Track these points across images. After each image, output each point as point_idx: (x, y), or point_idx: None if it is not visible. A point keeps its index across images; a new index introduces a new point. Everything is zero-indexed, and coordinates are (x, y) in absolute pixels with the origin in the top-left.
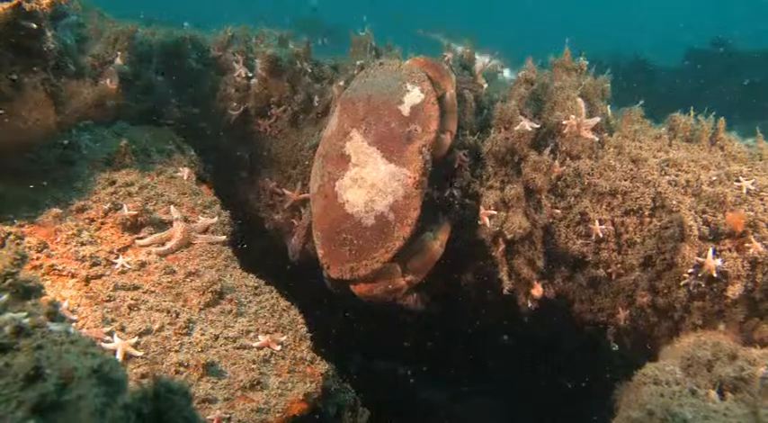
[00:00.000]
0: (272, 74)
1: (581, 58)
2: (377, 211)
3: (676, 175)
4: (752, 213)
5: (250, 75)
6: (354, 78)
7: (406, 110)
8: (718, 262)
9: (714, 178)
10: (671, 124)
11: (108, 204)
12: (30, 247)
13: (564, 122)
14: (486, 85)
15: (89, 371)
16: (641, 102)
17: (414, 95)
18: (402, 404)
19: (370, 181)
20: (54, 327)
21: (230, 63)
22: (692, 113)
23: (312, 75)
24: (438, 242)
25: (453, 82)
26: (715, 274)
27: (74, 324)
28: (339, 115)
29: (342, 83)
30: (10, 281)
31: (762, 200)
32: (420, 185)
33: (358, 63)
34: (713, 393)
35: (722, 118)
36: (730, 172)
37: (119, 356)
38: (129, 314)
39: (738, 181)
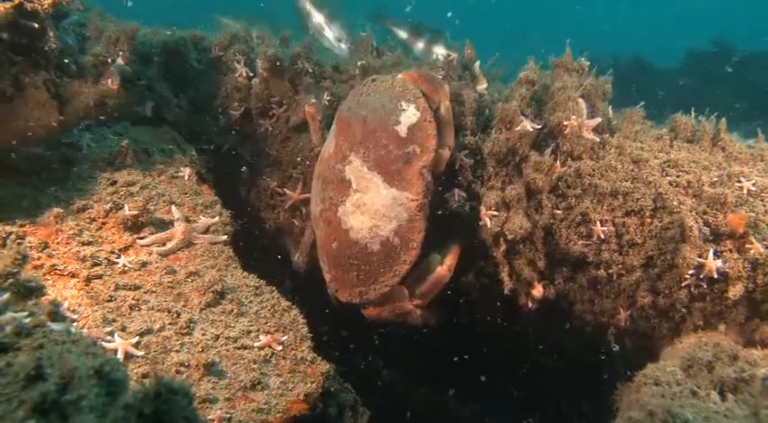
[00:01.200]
0: (273, 74)
1: (582, 59)
2: (382, 236)
3: (677, 176)
4: (753, 214)
5: (251, 75)
6: (348, 96)
7: (403, 130)
8: (719, 263)
9: (715, 179)
10: (672, 125)
11: (109, 204)
12: (31, 247)
13: (565, 123)
14: (486, 85)
15: (90, 371)
16: (642, 102)
17: (410, 114)
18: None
19: (372, 207)
20: (55, 326)
21: (231, 63)
22: (694, 114)
23: (313, 75)
24: (445, 266)
25: (447, 93)
26: (716, 275)
27: (75, 324)
28: (336, 137)
29: (313, 100)
30: (11, 280)
31: (763, 201)
32: (423, 208)
33: (359, 63)
34: (714, 394)
35: (723, 119)
36: (731, 173)
37: (120, 356)
38: (129, 314)
39: (739, 182)
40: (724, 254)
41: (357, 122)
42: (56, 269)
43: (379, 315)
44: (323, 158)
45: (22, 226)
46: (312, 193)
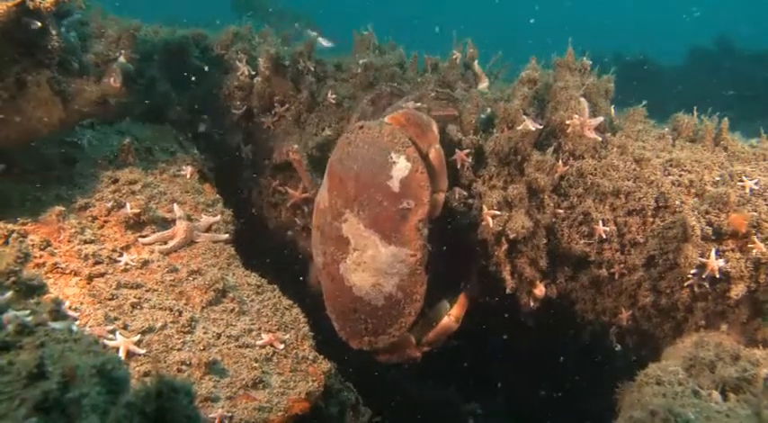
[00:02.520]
0: (275, 72)
1: (584, 58)
2: (385, 292)
3: (679, 176)
4: (755, 214)
5: (253, 73)
6: (338, 144)
7: (395, 185)
8: (721, 262)
9: (717, 178)
10: (674, 124)
11: (111, 202)
12: (33, 245)
13: (567, 122)
14: (487, 83)
15: (92, 369)
16: (645, 102)
17: (401, 167)
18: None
19: (373, 264)
20: (56, 325)
21: (233, 62)
22: (696, 113)
23: (315, 73)
24: (453, 318)
25: (437, 134)
26: (718, 275)
27: (77, 322)
28: (329, 191)
29: (296, 146)
30: (13, 278)
31: (765, 200)
32: (422, 261)
33: (361, 62)
34: (716, 394)
35: (726, 118)
36: (734, 172)
37: (121, 354)
38: (131, 312)
39: (742, 181)
40: (726, 253)
41: (349, 178)
42: (58, 267)
43: (388, 360)
44: (318, 209)
45: (24, 224)
46: (312, 242)
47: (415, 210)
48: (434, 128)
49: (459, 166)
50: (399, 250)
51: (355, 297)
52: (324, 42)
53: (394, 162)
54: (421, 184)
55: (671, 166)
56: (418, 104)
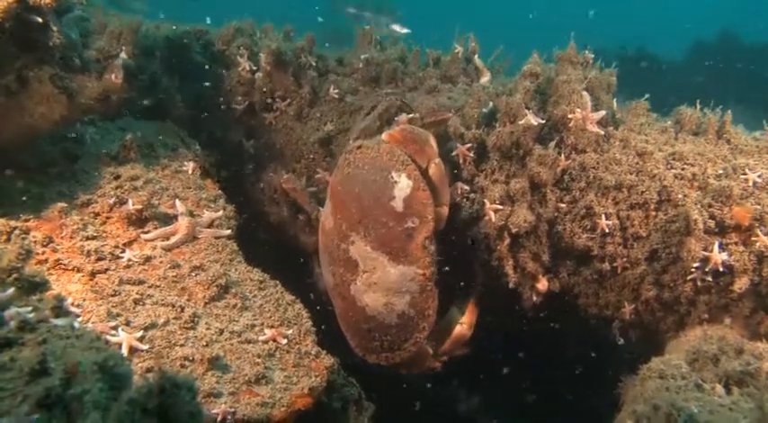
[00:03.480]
0: (276, 68)
1: (586, 52)
2: (397, 310)
3: (682, 169)
4: (758, 207)
5: (255, 68)
6: (338, 165)
7: (399, 205)
8: (725, 256)
9: (720, 171)
10: (677, 117)
11: (113, 199)
12: (35, 242)
13: (569, 116)
14: (489, 77)
15: (94, 366)
16: (647, 95)
17: (402, 186)
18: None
19: (383, 285)
20: (58, 322)
21: (235, 57)
22: (699, 106)
23: (317, 68)
24: (465, 326)
25: (435, 147)
26: (721, 268)
27: (79, 318)
28: (333, 213)
29: (285, 175)
30: (15, 275)
31: None
32: (432, 278)
33: (363, 57)
34: (719, 387)
35: (729, 111)
36: (737, 165)
37: (124, 350)
38: (134, 308)
39: (745, 174)
40: (729, 247)
41: (352, 200)
42: (60, 264)
43: (408, 372)
44: (324, 230)
45: (26, 221)
46: (321, 262)
47: (420, 228)
48: (432, 141)
49: (461, 161)
50: (408, 269)
51: (368, 317)
52: (397, 29)
53: (395, 182)
54: (424, 201)
55: (674, 159)
56: (411, 116)
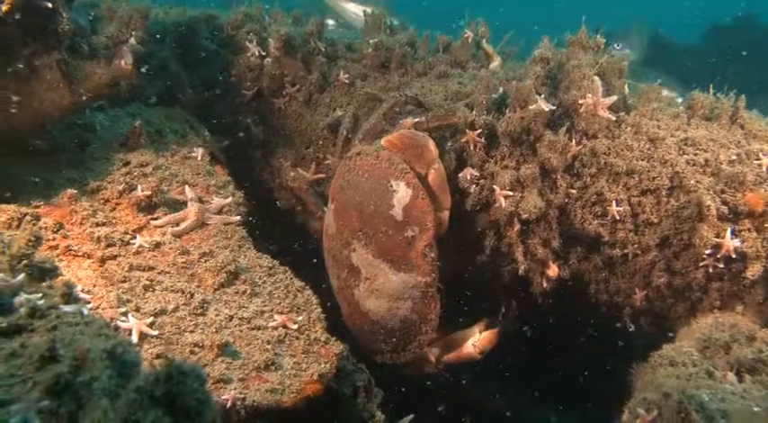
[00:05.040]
0: (285, 53)
1: (598, 36)
2: (400, 315)
3: (695, 154)
4: None
5: (264, 54)
6: (337, 170)
7: (398, 214)
8: (737, 242)
9: (734, 157)
10: (690, 102)
11: (122, 185)
12: (46, 228)
13: (580, 102)
14: (499, 62)
15: (103, 352)
16: (659, 80)
17: (401, 195)
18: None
19: (385, 291)
20: (68, 308)
21: (244, 43)
22: (712, 91)
23: (326, 54)
24: (477, 349)
25: (434, 153)
26: (733, 255)
27: (90, 305)
28: (335, 219)
29: (291, 173)
30: (25, 262)
31: None
32: (433, 284)
33: (372, 42)
34: (731, 375)
35: (742, 96)
36: (750, 151)
37: (134, 336)
38: (144, 295)
39: (758, 160)
40: (742, 233)
41: (352, 208)
42: (71, 250)
43: (412, 372)
44: (327, 234)
45: (37, 207)
46: (326, 264)
47: (420, 236)
48: (432, 146)
49: (471, 147)
50: (409, 277)
51: (372, 321)
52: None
53: (394, 190)
54: (423, 209)
55: (686, 144)
56: (416, 120)
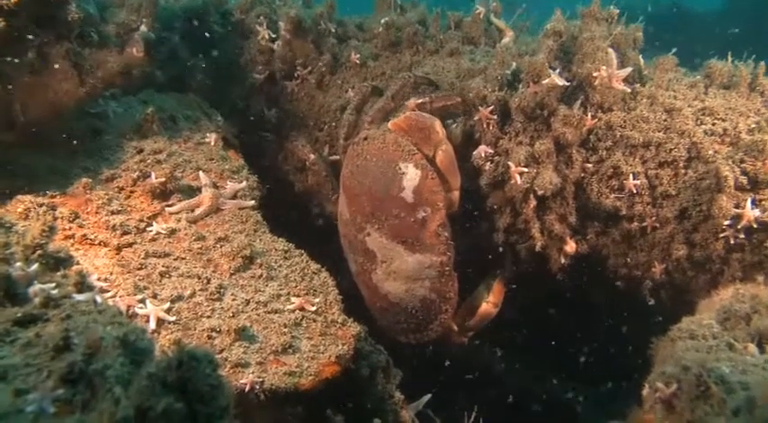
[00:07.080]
0: (296, 35)
1: (611, 7)
2: (419, 296)
3: (713, 124)
4: None
5: (274, 37)
6: (346, 156)
7: (409, 196)
8: (758, 212)
9: (753, 126)
10: (707, 71)
11: (136, 172)
12: (62, 218)
13: (594, 74)
14: (512, 36)
15: (116, 340)
16: (674, 49)
17: (410, 176)
18: None
19: (402, 273)
20: (81, 297)
21: (254, 26)
22: (730, 59)
23: (336, 35)
24: (491, 304)
25: (441, 134)
26: (755, 225)
27: (107, 293)
28: (348, 205)
29: (304, 147)
30: (39, 252)
31: None
32: (449, 262)
33: (383, 21)
34: (752, 346)
35: (762, 62)
36: None
37: (152, 322)
38: (160, 281)
39: None
40: (763, 203)
41: (363, 193)
42: (87, 239)
43: (444, 346)
44: (342, 220)
45: (52, 197)
46: (344, 249)
47: (432, 216)
48: (438, 127)
49: (484, 125)
50: (424, 257)
51: (392, 303)
52: None
53: (403, 173)
54: (433, 189)
55: (703, 114)
56: (419, 101)
